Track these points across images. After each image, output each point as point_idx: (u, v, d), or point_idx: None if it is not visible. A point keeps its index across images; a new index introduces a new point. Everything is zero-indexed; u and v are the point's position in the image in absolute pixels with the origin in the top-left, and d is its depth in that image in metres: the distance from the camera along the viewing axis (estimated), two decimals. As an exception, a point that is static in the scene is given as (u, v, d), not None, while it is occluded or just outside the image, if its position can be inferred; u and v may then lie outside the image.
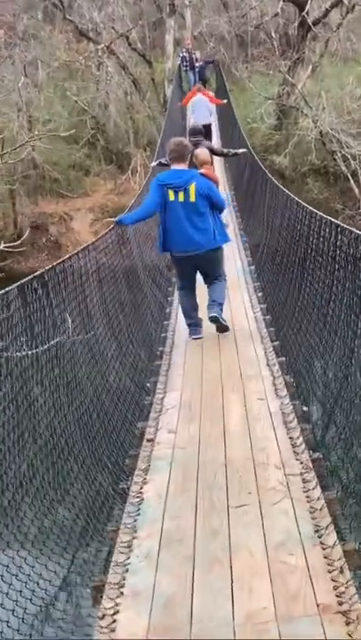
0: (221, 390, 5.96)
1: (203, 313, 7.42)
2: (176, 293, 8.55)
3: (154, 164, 11.92)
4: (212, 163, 10.68)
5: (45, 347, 4.44)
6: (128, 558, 3.80)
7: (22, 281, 4.32)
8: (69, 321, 5.06)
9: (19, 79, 20.77)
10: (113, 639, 3.19)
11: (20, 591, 3.53)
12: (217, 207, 7.17)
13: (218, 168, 15.68)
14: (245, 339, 7.24)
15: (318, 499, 3.99)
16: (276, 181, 10.40)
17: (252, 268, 10.24)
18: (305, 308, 6.68)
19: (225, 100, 20.37)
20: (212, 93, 20.78)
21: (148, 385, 6.59)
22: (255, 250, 11.02)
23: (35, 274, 4.60)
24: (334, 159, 22.64)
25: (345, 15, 24.54)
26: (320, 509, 3.89)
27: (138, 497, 4.44)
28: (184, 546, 3.80)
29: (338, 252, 5.36)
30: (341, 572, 3.33)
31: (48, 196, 24.51)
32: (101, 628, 3.28)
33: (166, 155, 7.66)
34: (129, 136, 26.42)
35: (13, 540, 3.73)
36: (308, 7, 23.25)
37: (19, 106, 23.05)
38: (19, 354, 4.12)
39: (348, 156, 22.03)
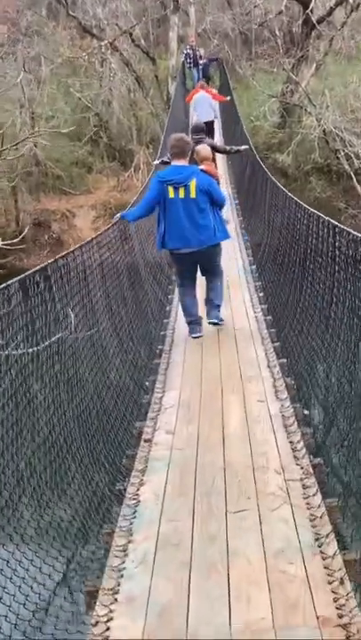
0: (221, 391, 5.88)
1: (202, 309, 7.43)
2: (176, 291, 8.48)
3: (156, 162, 11.88)
4: (214, 160, 10.61)
5: (47, 343, 4.35)
6: (123, 562, 3.71)
7: (24, 275, 4.24)
8: (72, 316, 4.98)
9: (21, 75, 20.68)
10: (106, 648, 3.12)
11: (14, 595, 3.45)
12: (217, 203, 7.17)
13: (220, 165, 15.60)
14: (246, 339, 7.15)
15: (319, 506, 3.91)
16: (275, 180, 10.30)
17: (254, 267, 10.14)
18: (306, 309, 6.59)
19: (228, 97, 20.27)
20: (215, 90, 20.69)
21: (147, 383, 6.51)
22: (256, 249, 10.93)
23: (37, 267, 4.52)
24: (337, 158, 22.53)
25: (349, 13, 24.44)
26: (320, 517, 3.81)
27: (134, 499, 4.36)
28: (181, 551, 3.72)
29: (337, 253, 5.28)
30: (342, 583, 3.24)
31: (50, 193, 24.40)
32: (94, 635, 3.20)
33: (167, 151, 7.64)
34: (132, 133, 26.31)
35: (9, 542, 3.64)
36: (312, 5, 23.16)
37: (21, 102, 22.97)
38: (20, 351, 4.04)
39: (352, 155, 21.91)
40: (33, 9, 29.49)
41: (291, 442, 4.79)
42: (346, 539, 3.86)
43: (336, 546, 3.56)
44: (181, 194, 6.84)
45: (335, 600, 3.17)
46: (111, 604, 3.38)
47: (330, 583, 3.29)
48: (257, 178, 12.82)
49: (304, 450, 4.62)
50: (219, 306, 7.45)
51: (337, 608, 3.11)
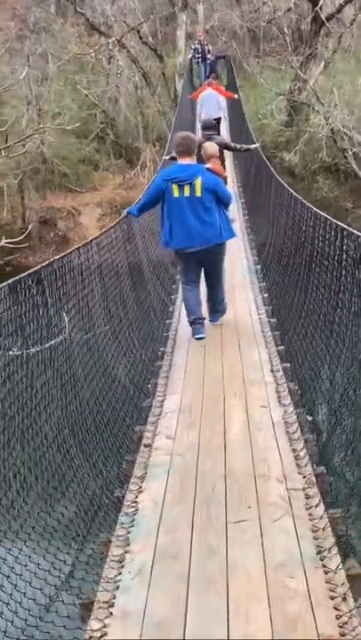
0: (223, 395, 5.77)
1: (205, 309, 7.41)
2: (180, 291, 8.38)
3: (166, 157, 11.81)
4: (223, 159, 10.51)
5: (38, 348, 4.24)
6: (119, 574, 3.61)
7: (14, 279, 4.11)
8: (66, 320, 4.86)
9: (28, 72, 20.55)
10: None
11: (7, 603, 3.36)
12: (223, 202, 7.11)
13: (228, 164, 15.47)
14: (249, 341, 7.04)
15: (321, 517, 3.80)
16: (280, 179, 10.17)
17: (258, 267, 10.02)
18: (311, 313, 6.47)
19: (236, 95, 20.14)
20: (223, 87, 20.56)
21: (149, 386, 6.41)
22: (261, 249, 10.81)
23: (29, 271, 4.40)
24: (345, 157, 22.33)
25: (359, 10, 24.24)
26: (323, 529, 3.69)
27: (133, 506, 4.26)
28: (179, 563, 3.61)
29: (344, 256, 5.15)
30: (344, 599, 3.13)
31: (57, 191, 24.32)
32: (88, 651, 3.11)
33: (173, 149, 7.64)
34: (138, 131, 26.19)
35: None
36: (321, 2, 22.96)
37: (28, 99, 22.87)
38: (10, 352, 3.94)
39: (360, 154, 21.74)
40: (41, 6, 29.40)
41: (293, 449, 4.68)
42: (349, 551, 3.74)
43: (339, 559, 3.45)
44: (187, 192, 6.81)
45: (337, 617, 3.06)
46: (106, 617, 3.28)
47: (332, 599, 3.19)
48: (262, 176, 12.71)
49: (307, 458, 4.51)
50: (220, 310, 7.55)
51: (339, 626, 3.00)
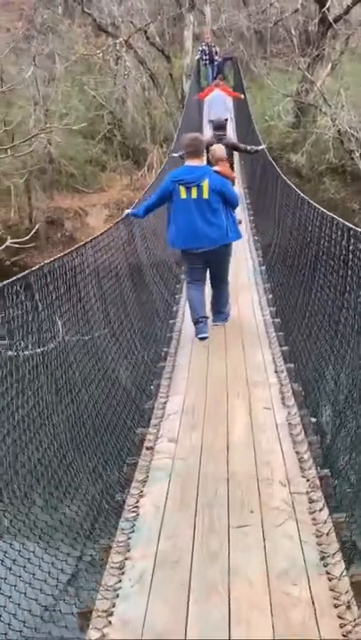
0: (226, 396, 5.69)
1: (209, 309, 7.38)
2: (184, 291, 8.31)
3: (175, 155, 11.76)
4: (231, 161, 10.43)
5: (27, 353, 4.13)
6: (119, 581, 3.52)
7: (1, 285, 3.98)
8: (60, 324, 4.76)
9: (35, 72, 20.55)
10: None
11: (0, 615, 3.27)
12: (230, 204, 7.10)
13: (236, 166, 15.39)
14: (253, 342, 6.97)
15: (325, 522, 3.70)
16: (286, 179, 10.08)
17: (263, 268, 9.93)
18: (315, 313, 6.38)
19: (242, 96, 20.07)
20: (230, 88, 20.51)
21: (151, 388, 6.33)
22: (266, 249, 10.72)
23: (17, 276, 4.27)
24: (352, 158, 22.22)
25: (367, 12, 24.13)
26: (327, 534, 3.60)
27: (134, 511, 4.17)
28: (180, 570, 3.52)
29: (351, 257, 5.06)
30: (349, 607, 3.03)
31: (64, 191, 24.28)
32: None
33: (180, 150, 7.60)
34: (146, 132, 26.14)
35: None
36: (328, 3, 22.83)
37: (35, 99, 22.84)
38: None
39: (367, 156, 21.64)
40: (48, 6, 29.40)
41: (297, 452, 4.59)
42: (353, 557, 3.65)
43: (343, 566, 3.36)
44: (194, 194, 6.80)
45: (341, 626, 2.97)
46: (104, 626, 3.19)
47: (336, 607, 3.09)
48: (268, 177, 12.63)
49: (311, 461, 4.42)
50: (223, 312, 7.52)
51: (343, 635, 2.91)
